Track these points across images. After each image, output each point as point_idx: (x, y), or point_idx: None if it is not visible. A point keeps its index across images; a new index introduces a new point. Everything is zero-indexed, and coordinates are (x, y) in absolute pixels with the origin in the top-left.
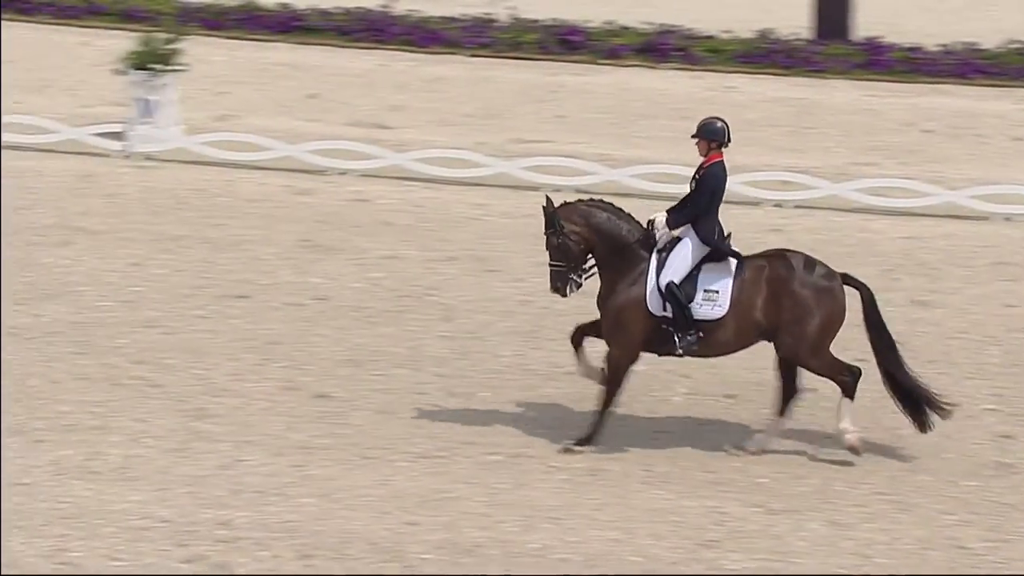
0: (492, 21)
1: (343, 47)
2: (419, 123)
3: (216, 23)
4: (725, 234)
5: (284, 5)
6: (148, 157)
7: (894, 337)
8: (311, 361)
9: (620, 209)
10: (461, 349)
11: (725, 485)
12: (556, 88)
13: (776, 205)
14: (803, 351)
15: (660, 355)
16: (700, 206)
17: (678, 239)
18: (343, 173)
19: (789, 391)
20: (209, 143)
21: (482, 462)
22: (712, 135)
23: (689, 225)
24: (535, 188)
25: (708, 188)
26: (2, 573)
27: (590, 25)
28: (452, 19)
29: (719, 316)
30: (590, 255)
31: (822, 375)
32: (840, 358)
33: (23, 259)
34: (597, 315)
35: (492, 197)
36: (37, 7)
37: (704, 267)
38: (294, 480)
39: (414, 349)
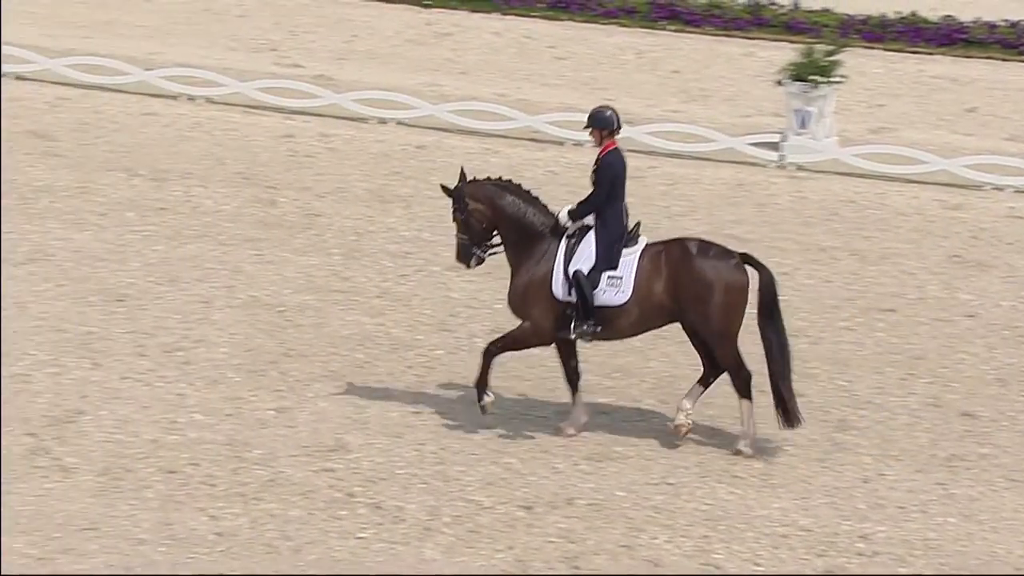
0: None
1: (1006, 60)
2: None
3: (877, 35)
4: (631, 223)
5: (948, 17)
6: (801, 168)
7: (786, 328)
8: (957, 378)
9: (528, 192)
10: None
11: None
12: None
13: None
14: (711, 330)
15: (565, 337)
16: (600, 197)
17: (588, 227)
18: (999, 188)
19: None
20: (862, 155)
21: None
22: (603, 124)
23: (597, 215)
24: None
25: (606, 178)
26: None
27: None
28: None
29: (622, 302)
30: (495, 233)
31: (723, 363)
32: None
33: None
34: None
35: None
36: (704, 19)
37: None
38: (936, 498)
39: None
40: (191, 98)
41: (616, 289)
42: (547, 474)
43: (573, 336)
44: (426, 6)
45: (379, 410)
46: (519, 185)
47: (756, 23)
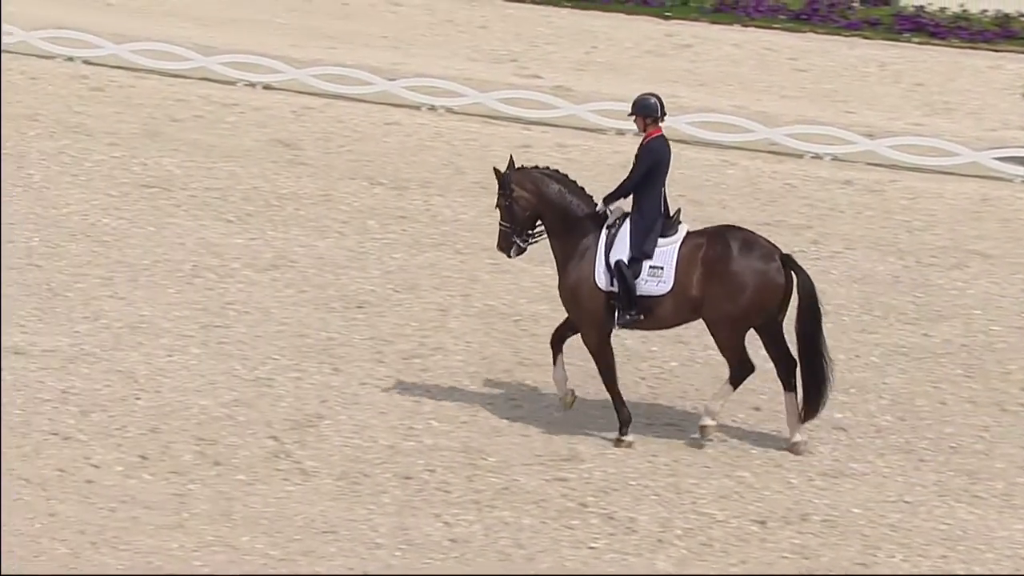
0: None
1: None
2: None
3: None
4: (671, 210)
5: None
6: None
7: (824, 332)
8: None
9: (574, 182)
10: None
11: None
12: None
13: None
14: (721, 323)
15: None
16: (634, 181)
17: (627, 216)
18: None
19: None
20: None
21: None
22: (646, 111)
23: (633, 202)
24: None
25: (644, 163)
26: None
27: None
28: None
29: (664, 292)
30: (538, 222)
31: (723, 352)
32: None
33: (917, 279)
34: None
35: None
36: (950, 30)
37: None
38: None
39: None
40: (432, 108)
41: (657, 280)
42: (781, 489)
43: (618, 327)
44: (666, 17)
45: (612, 421)
46: (565, 175)
47: (1004, 35)
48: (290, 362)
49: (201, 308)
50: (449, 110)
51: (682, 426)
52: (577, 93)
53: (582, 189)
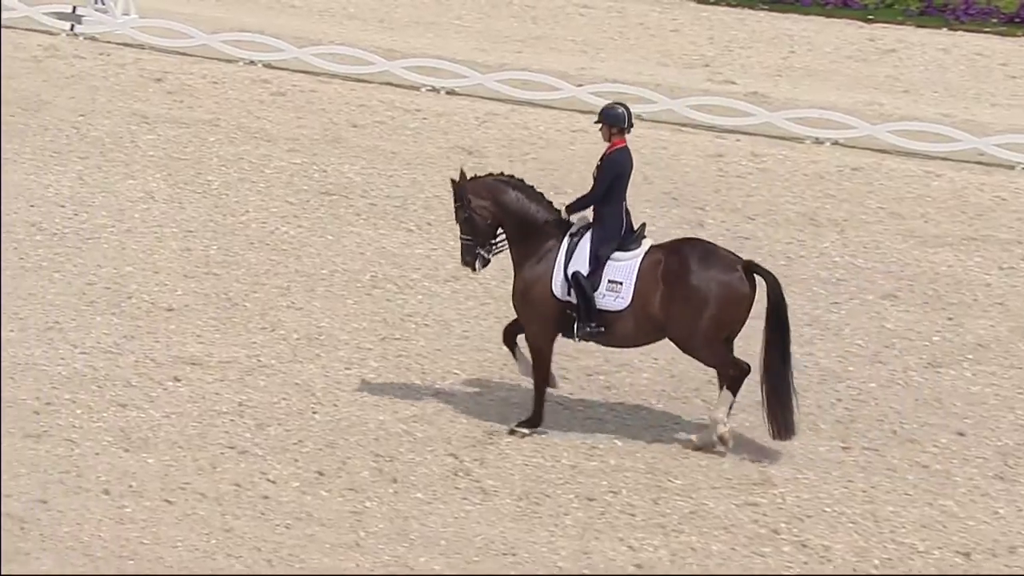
0: None
1: None
2: None
3: None
4: (633, 223)
5: None
6: None
7: (791, 336)
8: None
9: (532, 187)
10: None
11: None
12: None
13: None
14: (694, 341)
15: (570, 337)
16: (598, 194)
17: (591, 225)
18: None
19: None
20: None
21: None
22: (614, 120)
23: (595, 215)
24: None
25: (608, 175)
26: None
27: None
28: None
29: (622, 308)
30: (500, 230)
31: (709, 365)
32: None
33: None
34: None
35: None
36: None
37: (611, 257)
38: None
39: None
40: None
41: (615, 295)
42: (987, 519)
43: (577, 338)
44: (869, 20)
45: (806, 443)
46: (522, 180)
47: None
48: (471, 376)
49: (380, 320)
50: (639, 117)
51: (881, 451)
52: (773, 100)
53: (541, 195)
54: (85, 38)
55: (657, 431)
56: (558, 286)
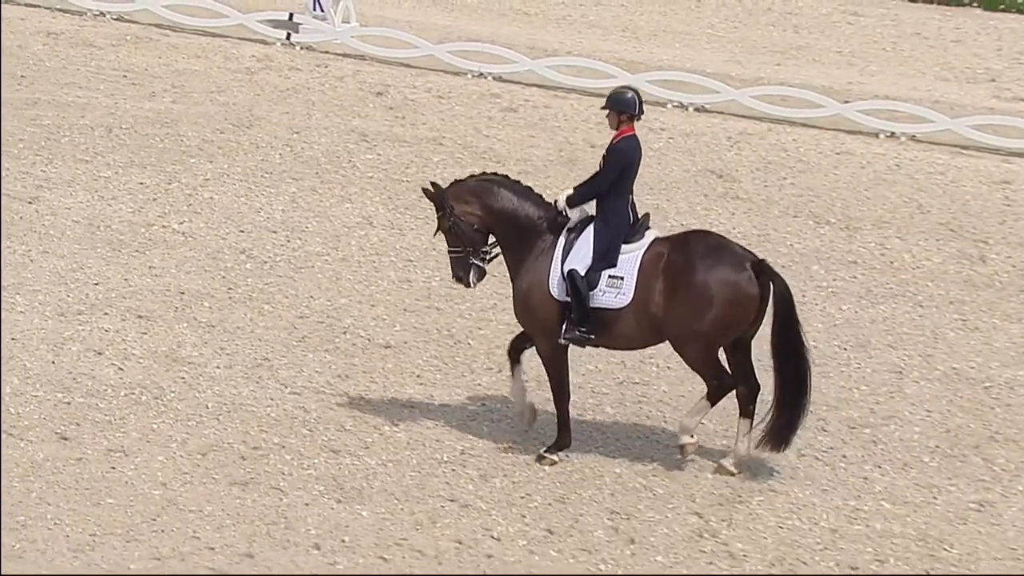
0: None
1: None
2: None
3: None
4: (639, 215)
5: None
6: None
7: (805, 342)
8: None
9: (518, 183)
10: None
11: None
12: None
13: None
14: (690, 343)
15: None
16: (603, 183)
17: (590, 219)
18: None
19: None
20: None
21: None
22: (623, 107)
23: (598, 207)
24: None
25: (615, 165)
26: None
27: None
28: None
29: (622, 305)
30: (490, 236)
31: (695, 369)
32: (724, 365)
33: None
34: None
35: None
36: None
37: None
38: None
39: None
40: (892, 135)
41: (616, 291)
42: None
43: (562, 340)
44: None
45: None
46: (507, 176)
47: None
48: (718, 427)
49: (617, 362)
50: (912, 138)
51: None
52: None
53: (530, 190)
54: (301, 48)
55: (929, 492)
56: (556, 286)
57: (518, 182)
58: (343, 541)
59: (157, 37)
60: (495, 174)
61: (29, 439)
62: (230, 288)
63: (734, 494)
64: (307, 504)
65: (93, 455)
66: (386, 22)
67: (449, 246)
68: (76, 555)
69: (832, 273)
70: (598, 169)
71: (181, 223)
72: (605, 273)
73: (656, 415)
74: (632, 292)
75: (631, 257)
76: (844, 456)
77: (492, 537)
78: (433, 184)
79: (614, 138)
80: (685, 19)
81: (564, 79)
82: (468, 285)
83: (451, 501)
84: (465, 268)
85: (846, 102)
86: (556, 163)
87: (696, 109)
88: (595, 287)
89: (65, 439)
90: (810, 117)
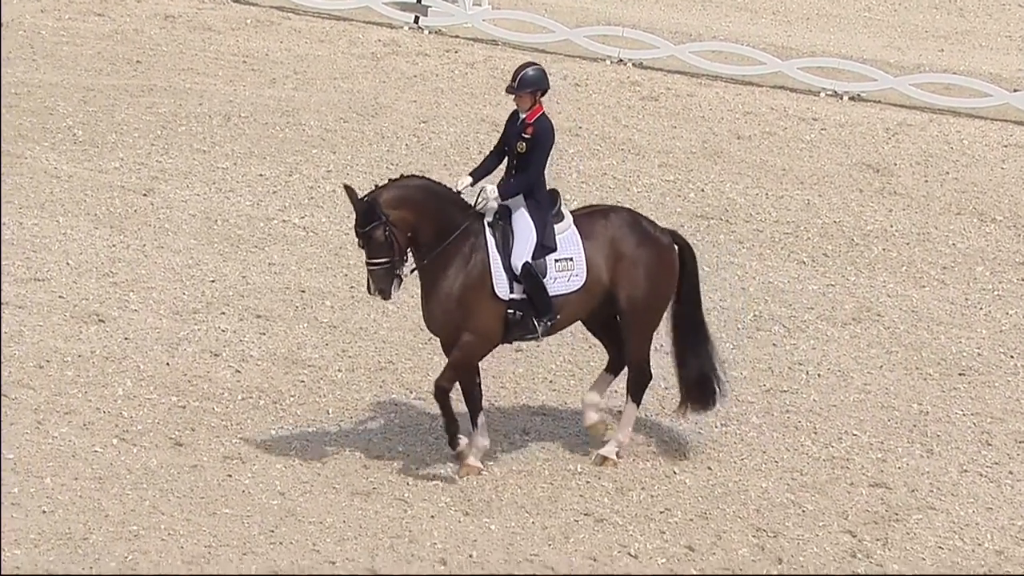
0: None
1: None
2: None
3: None
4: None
5: None
6: None
7: (704, 309)
8: None
9: (437, 182)
10: None
11: None
12: None
13: None
14: (640, 311)
15: (512, 342)
16: (540, 168)
17: (508, 209)
18: None
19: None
20: None
21: None
22: (539, 84)
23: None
24: None
25: (545, 147)
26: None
27: None
28: None
29: (579, 287)
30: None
31: (634, 342)
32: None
33: None
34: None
35: None
36: None
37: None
38: None
39: None
40: None
41: (569, 274)
42: None
43: (539, 336)
44: None
45: None
46: (425, 176)
47: None
48: (873, 439)
49: (765, 368)
50: None
51: None
52: None
53: (445, 186)
54: (430, 32)
55: None
56: (502, 286)
57: (437, 181)
58: (470, 556)
59: (278, 20)
60: (413, 175)
61: (143, 445)
62: (353, 287)
63: (890, 511)
64: (432, 516)
65: (209, 462)
66: (520, 5)
67: (371, 258)
68: (190, 567)
69: (998, 275)
70: (519, 152)
71: (302, 217)
72: (550, 258)
73: (806, 426)
74: (585, 272)
75: (568, 236)
76: (1011, 472)
77: (629, 554)
78: (347, 189)
79: (528, 117)
80: (840, 1)
81: (709, 65)
82: (388, 297)
83: (585, 515)
84: (389, 280)
85: (1015, 91)
86: (699, 156)
87: (851, 98)
88: (545, 275)
89: (180, 445)
90: (976, 107)
